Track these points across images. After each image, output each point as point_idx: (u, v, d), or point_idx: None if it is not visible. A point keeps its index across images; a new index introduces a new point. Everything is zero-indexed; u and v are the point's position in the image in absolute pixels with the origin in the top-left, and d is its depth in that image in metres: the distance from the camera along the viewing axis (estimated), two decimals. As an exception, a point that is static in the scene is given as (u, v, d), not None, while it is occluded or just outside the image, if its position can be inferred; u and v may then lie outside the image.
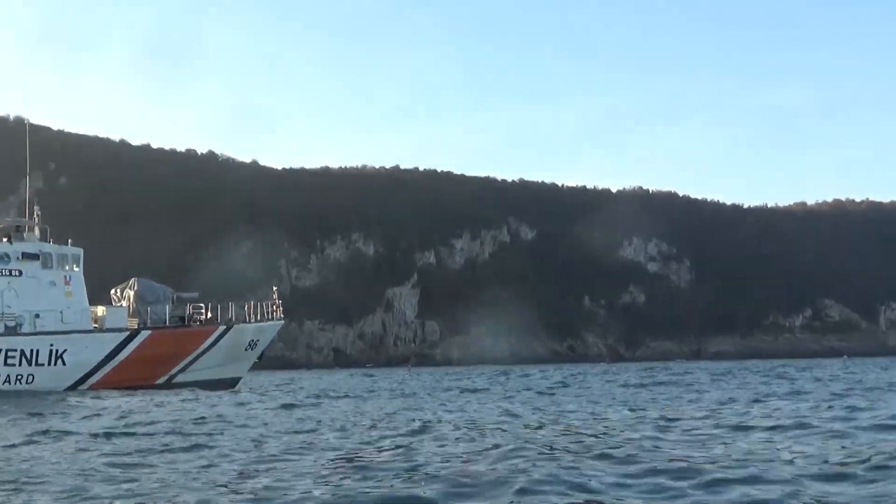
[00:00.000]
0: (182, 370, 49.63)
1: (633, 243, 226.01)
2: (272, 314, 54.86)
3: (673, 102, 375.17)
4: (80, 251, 47.41)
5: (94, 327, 46.80)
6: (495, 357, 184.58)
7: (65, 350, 44.53)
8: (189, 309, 52.20)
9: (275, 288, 56.56)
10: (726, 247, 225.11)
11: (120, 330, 47.44)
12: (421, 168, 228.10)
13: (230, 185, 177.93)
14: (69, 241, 47.21)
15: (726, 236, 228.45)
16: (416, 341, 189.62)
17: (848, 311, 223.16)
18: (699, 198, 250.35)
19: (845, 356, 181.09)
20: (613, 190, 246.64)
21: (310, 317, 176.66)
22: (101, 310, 48.14)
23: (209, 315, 52.40)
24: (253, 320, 53.11)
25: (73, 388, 44.64)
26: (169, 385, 48.13)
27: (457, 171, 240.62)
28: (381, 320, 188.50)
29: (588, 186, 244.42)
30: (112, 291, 51.45)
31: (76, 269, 46.78)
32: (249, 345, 52.80)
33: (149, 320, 49.20)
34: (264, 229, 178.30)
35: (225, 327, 51.41)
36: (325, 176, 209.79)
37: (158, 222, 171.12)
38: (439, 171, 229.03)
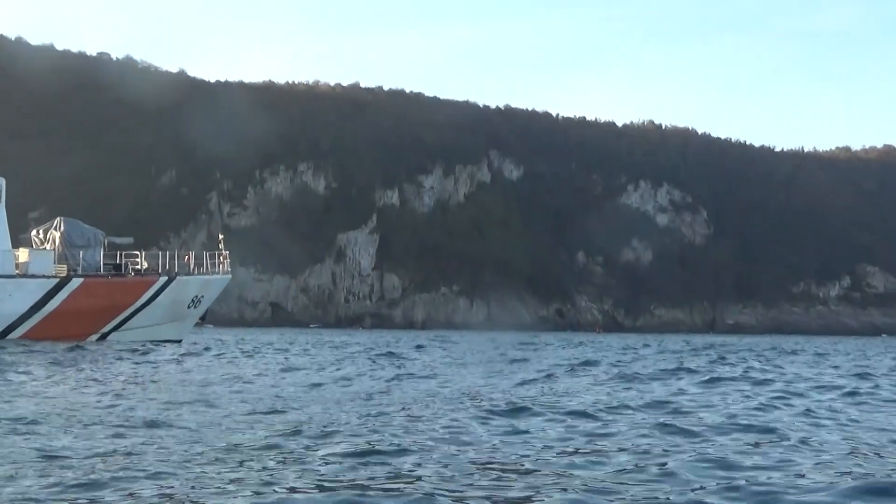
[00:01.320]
0: (116, 327, 52.75)
1: (640, 189, 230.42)
2: (219, 266, 58.11)
3: (696, 18, 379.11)
4: (2, 181, 50.23)
5: (16, 274, 49.69)
6: (468, 321, 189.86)
7: (-17, 297, 47.47)
8: (121, 256, 55.37)
9: (221, 236, 59.74)
10: (752, 197, 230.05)
11: (47, 276, 50.41)
12: (385, 87, 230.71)
13: (150, 100, 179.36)
14: (-11, 169, 50.00)
15: (752, 185, 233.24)
16: (373, 298, 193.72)
17: (895, 280, 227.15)
18: (722, 137, 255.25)
19: (884, 335, 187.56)
20: (619, 123, 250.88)
21: (244, 263, 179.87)
22: (22, 252, 50.88)
23: (145, 264, 55.59)
24: (195, 273, 56.38)
25: (-8, 341, 47.65)
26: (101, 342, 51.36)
27: (428, 92, 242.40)
28: (331, 272, 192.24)
29: (588, 118, 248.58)
30: (33, 232, 54.17)
31: (-3, 202, 49.58)
32: (193, 301, 56.04)
33: (80, 267, 52.16)
34: (191, 155, 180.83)
35: (167, 278, 54.51)
36: (267, 92, 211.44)
37: (61, 141, 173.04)
38: (407, 91, 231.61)
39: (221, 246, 58.52)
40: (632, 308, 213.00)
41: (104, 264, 53.76)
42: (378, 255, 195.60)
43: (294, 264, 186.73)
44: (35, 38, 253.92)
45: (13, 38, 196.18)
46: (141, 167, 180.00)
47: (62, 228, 53.38)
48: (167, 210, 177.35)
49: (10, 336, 48.63)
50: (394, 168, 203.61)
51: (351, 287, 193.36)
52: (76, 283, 50.79)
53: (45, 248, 52.47)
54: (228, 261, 58.96)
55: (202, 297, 56.76)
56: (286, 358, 37.62)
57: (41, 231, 54.15)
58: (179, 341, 55.37)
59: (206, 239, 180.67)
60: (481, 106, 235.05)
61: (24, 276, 49.55)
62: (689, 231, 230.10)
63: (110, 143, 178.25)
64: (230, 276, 59.69)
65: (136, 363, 31.85)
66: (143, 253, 56.92)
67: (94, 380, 24.09)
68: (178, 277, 55.02)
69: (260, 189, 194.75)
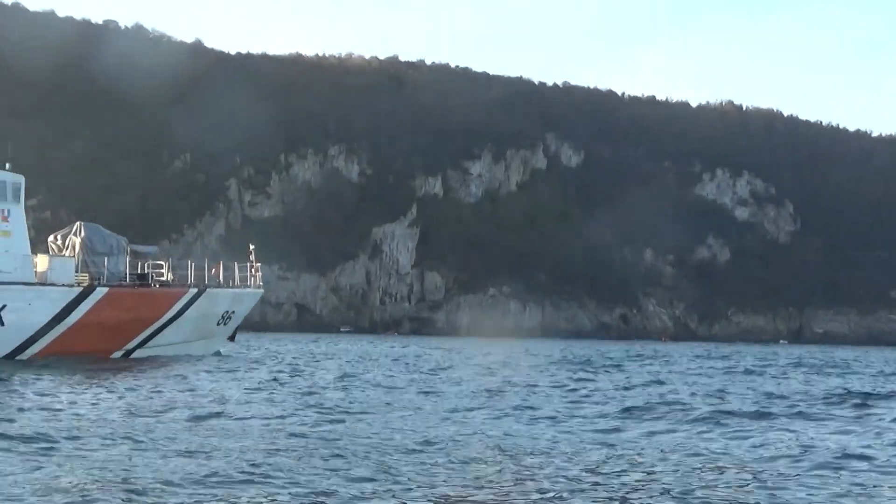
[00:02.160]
0: (141, 344, 53.36)
1: (717, 178, 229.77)
2: (250, 279, 58.71)
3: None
4: (21, 179, 50.63)
5: (35, 282, 50.09)
6: (519, 328, 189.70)
7: (3, 306, 47.99)
8: (146, 266, 56.04)
9: (252, 246, 60.24)
10: (845, 188, 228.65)
11: (70, 285, 50.98)
12: (428, 61, 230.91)
13: (162, 74, 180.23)
14: (7, 164, 50.45)
15: (846, 174, 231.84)
16: (412, 300, 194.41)
17: None
18: (811, 120, 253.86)
19: None
20: (693, 104, 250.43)
21: (266, 260, 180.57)
22: (42, 259, 51.39)
23: (170, 276, 56.28)
24: (222, 284, 56.93)
25: (11, 357, 48.20)
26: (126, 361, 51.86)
27: (476, 67, 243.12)
28: (365, 270, 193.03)
29: (658, 97, 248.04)
30: (50, 238, 54.75)
31: (17, 202, 50.07)
32: (223, 318, 56.71)
33: (105, 276, 52.72)
34: (207, 136, 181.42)
35: (196, 291, 55.07)
36: (295, 66, 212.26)
37: (62, 120, 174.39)
38: (452, 66, 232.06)
39: (252, 257, 59.05)
40: (706, 314, 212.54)
41: (128, 274, 54.32)
42: (418, 251, 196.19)
43: (323, 261, 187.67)
44: (34, 4, 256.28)
45: (9, 4, 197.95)
46: (151, 150, 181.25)
47: (83, 234, 53.97)
48: (180, 199, 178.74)
49: (29, 350, 49.07)
50: (436, 153, 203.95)
51: (387, 287, 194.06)
52: (100, 293, 51.34)
53: (65, 255, 53.00)
54: (261, 273, 59.46)
55: (233, 312, 57.37)
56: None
57: (59, 237, 54.80)
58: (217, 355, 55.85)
59: (225, 231, 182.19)
60: (536, 83, 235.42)
61: (44, 284, 50.05)
62: (772, 226, 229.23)
63: (117, 122, 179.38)
64: (262, 290, 60.28)
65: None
66: (170, 262, 57.55)
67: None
68: (207, 290, 55.59)
69: (285, 175, 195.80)
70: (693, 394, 33.53)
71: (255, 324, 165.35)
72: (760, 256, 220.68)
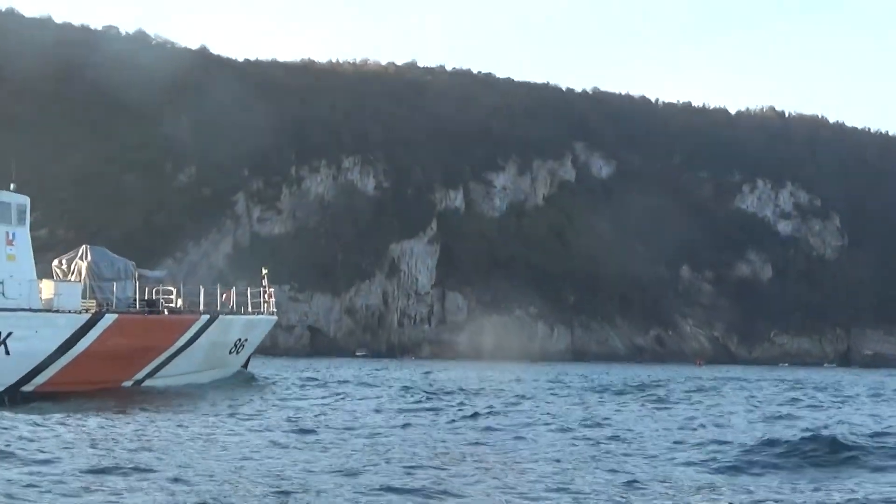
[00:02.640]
0: (151, 373, 54.17)
1: (758, 190, 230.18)
2: (263, 305, 59.68)
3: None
4: (27, 200, 51.48)
5: (41, 308, 50.81)
6: (547, 351, 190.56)
7: (8, 334, 48.69)
8: (153, 292, 56.97)
9: (265, 270, 61.10)
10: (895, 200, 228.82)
11: (77, 312, 51.79)
12: (448, 67, 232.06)
13: (166, 82, 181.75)
14: (11, 184, 51.39)
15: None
16: (432, 321, 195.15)
17: None
18: (858, 127, 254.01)
19: None
20: (732, 110, 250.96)
21: (277, 280, 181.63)
22: (47, 285, 52.06)
23: (180, 302, 57.20)
24: (234, 310, 57.92)
25: (16, 387, 48.96)
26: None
27: (500, 73, 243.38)
28: (382, 290, 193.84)
29: (695, 103, 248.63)
30: (54, 263, 55.42)
31: (22, 224, 50.92)
32: (235, 346, 57.64)
33: (113, 302, 53.60)
34: (214, 148, 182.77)
35: (208, 317, 55.94)
36: (306, 72, 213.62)
37: (61, 131, 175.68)
38: (475, 72, 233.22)
39: (265, 282, 59.94)
40: (747, 335, 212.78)
41: (137, 300, 55.24)
42: (438, 269, 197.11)
43: (337, 281, 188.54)
44: (30, 10, 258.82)
45: (3, 10, 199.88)
46: (155, 162, 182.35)
47: (89, 258, 54.73)
48: (185, 214, 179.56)
49: (35, 380, 49.65)
50: (458, 164, 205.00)
51: (406, 308, 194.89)
52: (109, 319, 51.88)
53: (70, 280, 53.84)
54: (274, 300, 60.35)
55: (245, 340, 58.23)
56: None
57: (64, 261, 55.50)
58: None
59: (232, 249, 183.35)
60: (564, 89, 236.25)
61: (51, 311, 50.78)
62: (817, 241, 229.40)
63: (119, 133, 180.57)
64: (276, 317, 61.20)
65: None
66: (180, 288, 58.49)
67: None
68: (220, 317, 56.48)
69: (296, 189, 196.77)
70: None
71: (265, 348, 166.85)
72: (805, 274, 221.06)
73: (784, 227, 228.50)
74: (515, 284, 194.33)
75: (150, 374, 54.13)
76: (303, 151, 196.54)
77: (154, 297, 56.68)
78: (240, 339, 58.09)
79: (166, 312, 55.86)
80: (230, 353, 58.03)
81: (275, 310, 61.63)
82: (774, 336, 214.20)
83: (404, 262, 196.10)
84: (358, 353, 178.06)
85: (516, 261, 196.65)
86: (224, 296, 58.77)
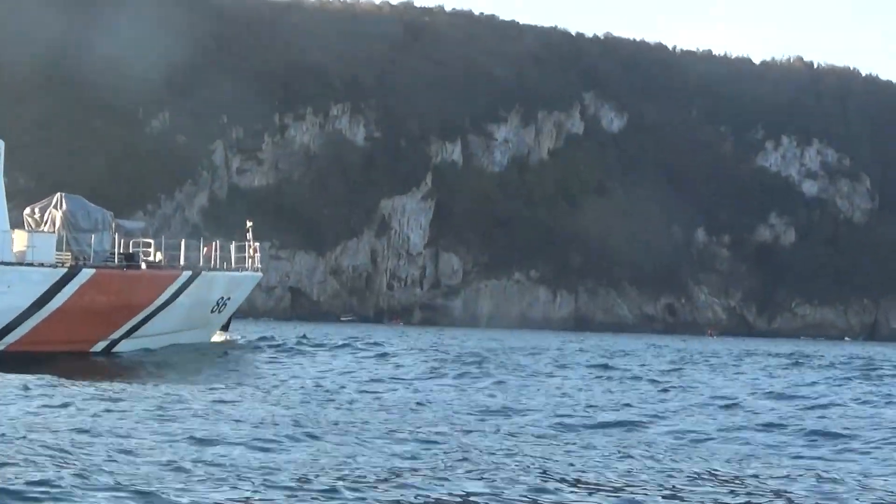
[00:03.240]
0: (128, 333, 54.77)
1: (782, 147, 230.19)
2: (248, 261, 60.13)
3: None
4: (1, 144, 51.98)
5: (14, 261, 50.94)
6: (549, 318, 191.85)
7: (-21, 289, 49.23)
8: (131, 245, 57.39)
9: (250, 223, 61.55)
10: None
11: (53, 265, 52.05)
12: (448, 8, 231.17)
13: (133, 15, 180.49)
14: (-20, 128, 51.65)
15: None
16: (424, 285, 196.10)
17: None
18: (893, 80, 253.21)
19: None
20: (755, 60, 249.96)
21: (257, 236, 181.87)
22: (19, 236, 52.22)
23: (159, 255, 57.62)
24: (217, 266, 58.37)
25: (-13, 344, 49.71)
26: (108, 354, 53.48)
27: (504, 15, 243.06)
28: (370, 249, 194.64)
29: (715, 52, 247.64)
30: (26, 211, 55.57)
31: (-8, 169, 51.34)
32: (218, 304, 58.15)
33: (91, 255, 54.10)
34: (190, 92, 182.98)
35: (190, 274, 56.41)
36: (292, 11, 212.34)
37: (19, 72, 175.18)
38: (476, 13, 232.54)
39: (250, 235, 60.33)
40: (767, 305, 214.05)
41: (115, 253, 55.49)
42: (433, 228, 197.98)
43: (323, 238, 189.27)
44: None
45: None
46: (124, 108, 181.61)
47: (64, 207, 54.64)
48: (158, 164, 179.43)
49: (6, 339, 50.19)
50: (456, 114, 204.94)
51: (396, 270, 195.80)
52: (86, 274, 52.15)
53: (44, 231, 53.98)
54: (259, 255, 60.77)
55: (228, 298, 58.80)
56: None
57: (37, 210, 55.29)
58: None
59: (208, 203, 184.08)
60: (574, 34, 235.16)
61: (23, 264, 51.03)
62: (846, 204, 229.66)
63: (83, 75, 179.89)
64: (261, 274, 61.69)
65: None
66: (161, 241, 58.87)
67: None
68: (202, 273, 56.87)
69: (279, 139, 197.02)
70: None
71: (241, 310, 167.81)
72: (831, 239, 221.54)
73: (810, 187, 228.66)
74: (516, 246, 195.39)
75: (127, 334, 54.67)
76: (287, 97, 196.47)
77: (133, 251, 57.04)
78: (222, 298, 58.49)
79: (145, 267, 56.25)
80: (212, 312, 58.49)
81: (259, 266, 62.12)
82: (796, 306, 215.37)
83: (395, 219, 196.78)
84: (343, 318, 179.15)
85: (517, 220, 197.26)
86: (205, 250, 59.18)
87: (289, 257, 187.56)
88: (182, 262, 58.13)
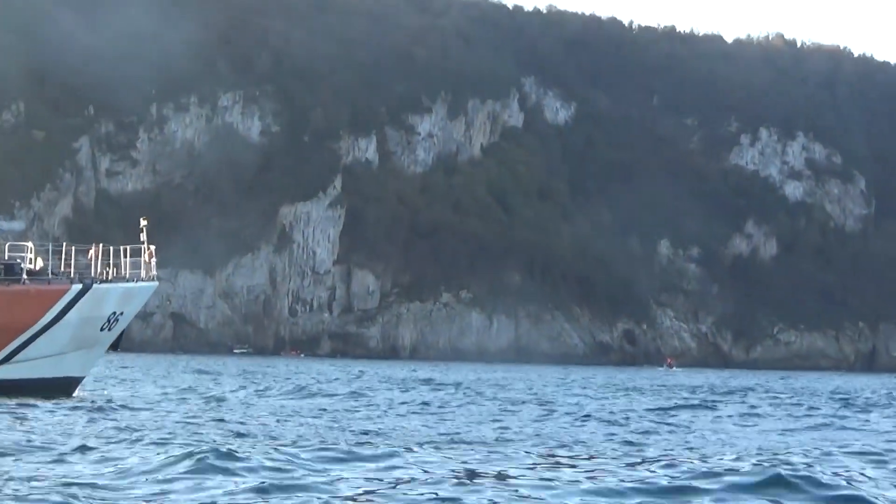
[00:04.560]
0: (6, 360, 55.25)
1: (761, 142, 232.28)
2: (143, 269, 60.67)
3: None
4: None
5: None
6: (484, 348, 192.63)
7: None
8: (6, 250, 57.69)
9: (144, 221, 62.23)
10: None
11: None
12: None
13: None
14: None
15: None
16: (334, 310, 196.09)
17: None
18: (891, 62, 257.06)
19: None
20: (727, 38, 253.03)
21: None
22: None
23: (39, 262, 57.97)
24: (109, 276, 59.00)
25: None
26: None
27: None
28: (268, 266, 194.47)
29: (679, 28, 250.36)
30: None
31: None
32: (108, 321, 58.71)
33: None
34: (51, 78, 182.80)
35: (80, 287, 56.94)
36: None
37: None
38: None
39: (144, 236, 60.92)
40: (744, 331, 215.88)
41: None
42: (344, 241, 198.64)
43: (211, 255, 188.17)
44: None
45: None
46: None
47: None
48: (12, 164, 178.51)
49: None
50: (370, 103, 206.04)
51: (300, 291, 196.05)
52: None
53: None
54: (155, 259, 61.52)
55: (121, 314, 59.42)
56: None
57: None
58: (81, 379, 58.13)
59: (72, 212, 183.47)
60: (511, 7, 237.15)
61: None
62: (836, 209, 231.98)
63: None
64: (156, 283, 62.53)
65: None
66: (35, 246, 59.09)
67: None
68: (94, 286, 57.47)
69: (157, 134, 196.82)
70: None
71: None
72: (820, 251, 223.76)
73: (793, 190, 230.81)
74: (443, 262, 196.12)
75: (4, 360, 55.23)
76: (166, 84, 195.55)
77: (10, 260, 57.16)
78: (114, 313, 58.74)
79: (26, 278, 56.41)
80: (102, 329, 59.06)
81: (155, 273, 62.68)
82: (779, 332, 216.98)
83: (298, 230, 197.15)
84: (237, 350, 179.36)
85: (444, 231, 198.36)
86: (90, 254, 59.57)
87: (170, 278, 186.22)
88: (69, 271, 58.44)
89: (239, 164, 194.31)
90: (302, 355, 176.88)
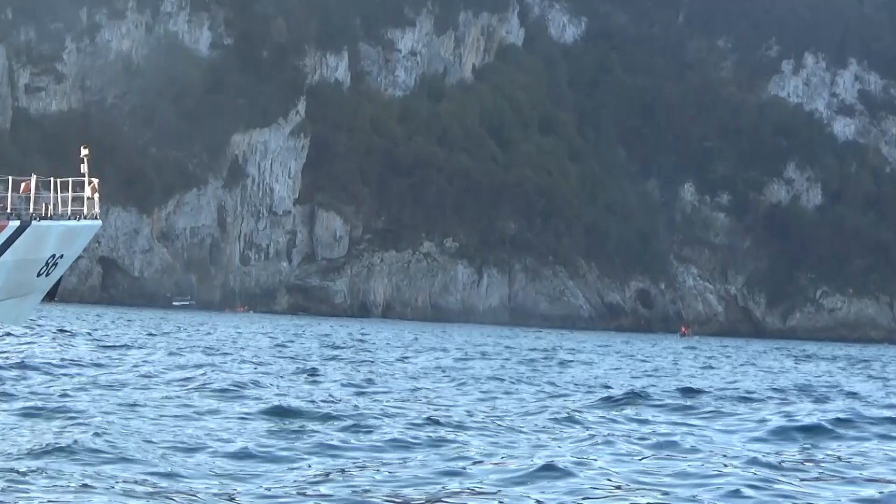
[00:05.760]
0: None
1: (806, 70, 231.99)
2: (86, 205, 61.01)
3: None
4: None
5: None
6: (471, 307, 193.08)
7: None
8: None
9: (85, 150, 62.41)
10: None
11: None
12: None
13: None
14: None
15: None
16: (294, 257, 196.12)
17: None
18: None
19: None
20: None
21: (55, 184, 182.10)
22: None
23: None
24: (48, 213, 59.40)
25: None
26: None
27: None
28: (216, 204, 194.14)
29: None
30: None
31: None
32: (47, 264, 59.36)
33: None
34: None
35: (18, 224, 57.40)
36: None
37: None
38: None
39: (85, 167, 61.20)
40: (781, 294, 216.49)
41: None
42: (307, 176, 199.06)
43: (148, 189, 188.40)
44: None
45: None
46: None
47: None
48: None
49: None
50: (341, 14, 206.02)
51: (254, 236, 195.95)
52: None
53: None
54: (98, 195, 61.79)
55: (60, 256, 59.91)
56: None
57: None
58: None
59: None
60: None
61: None
62: (893, 152, 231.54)
63: None
64: (100, 222, 62.78)
65: None
66: None
67: None
68: (33, 223, 57.80)
69: (87, 44, 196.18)
70: None
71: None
72: (873, 201, 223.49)
73: (843, 128, 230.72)
74: (425, 204, 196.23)
75: None
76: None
77: None
78: (53, 256, 59.38)
79: None
80: (39, 275, 59.51)
81: (98, 211, 62.90)
82: (822, 297, 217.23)
83: (253, 163, 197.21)
84: (176, 302, 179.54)
85: (427, 167, 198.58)
86: (23, 187, 59.89)
87: (100, 215, 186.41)
88: (8, 208, 58.73)
89: (184, 82, 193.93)
90: (248, 311, 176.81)
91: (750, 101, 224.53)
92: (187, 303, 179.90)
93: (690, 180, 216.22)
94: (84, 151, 60.43)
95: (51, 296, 62.45)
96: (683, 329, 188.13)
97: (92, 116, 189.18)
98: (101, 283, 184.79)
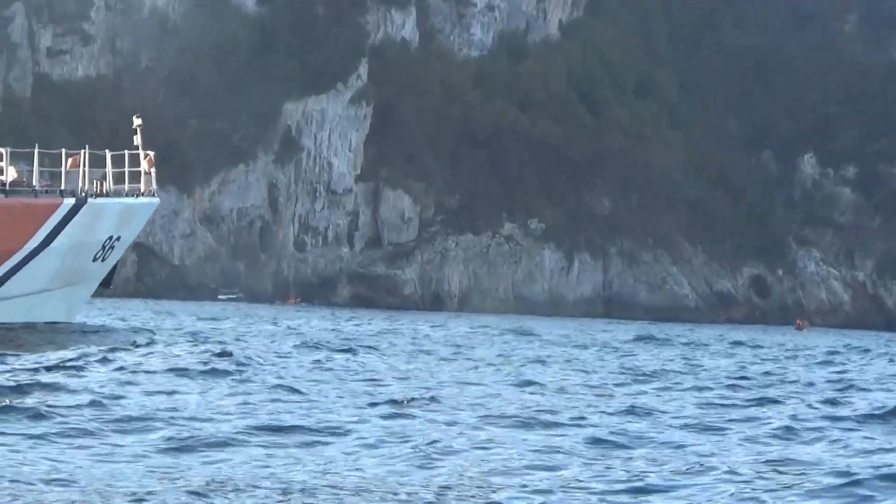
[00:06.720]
0: None
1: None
2: (143, 181, 61.49)
3: None
4: None
5: None
6: (560, 298, 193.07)
7: None
8: None
9: (138, 121, 62.78)
10: None
11: None
12: None
13: None
14: None
15: None
16: (356, 242, 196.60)
17: None
18: None
19: None
20: None
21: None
22: None
23: (13, 173, 58.70)
24: (103, 190, 59.78)
25: None
26: None
27: None
28: (267, 183, 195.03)
29: None
30: None
31: None
32: (104, 247, 59.55)
33: None
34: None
35: (73, 202, 57.68)
36: None
37: None
38: None
39: (139, 139, 61.64)
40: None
41: None
42: (370, 150, 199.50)
43: (189, 167, 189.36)
44: None
45: None
46: None
47: None
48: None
49: None
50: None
51: (309, 218, 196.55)
52: None
53: None
54: (154, 170, 62.14)
55: (118, 239, 60.29)
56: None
57: None
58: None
59: (2, 105, 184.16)
60: None
61: None
62: None
63: None
64: (157, 199, 63.13)
65: None
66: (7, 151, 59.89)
67: None
68: (89, 201, 58.04)
69: (118, 1, 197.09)
70: None
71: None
72: None
73: None
74: (505, 181, 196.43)
75: None
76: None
77: None
78: (111, 238, 59.89)
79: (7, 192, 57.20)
80: (94, 260, 59.84)
81: (155, 187, 63.33)
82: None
83: (308, 135, 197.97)
84: (222, 296, 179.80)
85: (508, 137, 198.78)
86: (70, 162, 60.32)
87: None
88: (51, 184, 58.98)
89: (228, 43, 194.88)
90: (301, 302, 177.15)
91: (878, 61, 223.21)
92: (235, 295, 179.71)
93: (811, 151, 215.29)
94: (137, 121, 61.21)
95: (106, 283, 62.60)
96: (799, 322, 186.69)
97: (123, 83, 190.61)
98: (135, 272, 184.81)
